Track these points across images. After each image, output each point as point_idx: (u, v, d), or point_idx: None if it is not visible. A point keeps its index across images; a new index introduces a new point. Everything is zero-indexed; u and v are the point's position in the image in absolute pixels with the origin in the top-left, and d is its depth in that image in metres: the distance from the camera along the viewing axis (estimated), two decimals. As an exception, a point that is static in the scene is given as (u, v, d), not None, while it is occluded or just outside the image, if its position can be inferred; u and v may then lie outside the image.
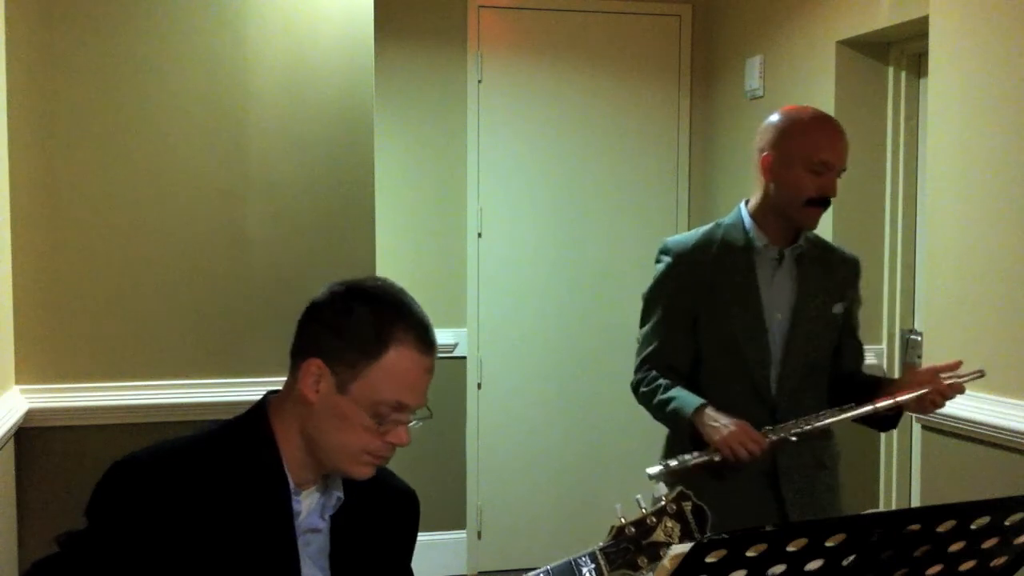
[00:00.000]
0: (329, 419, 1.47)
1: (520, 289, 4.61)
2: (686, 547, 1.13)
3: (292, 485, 1.49)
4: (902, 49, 3.75)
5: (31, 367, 2.91)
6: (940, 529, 1.22)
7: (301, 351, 1.49)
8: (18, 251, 2.87)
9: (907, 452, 3.76)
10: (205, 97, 3.03)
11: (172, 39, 3.00)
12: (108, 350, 2.98)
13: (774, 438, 2.29)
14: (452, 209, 4.54)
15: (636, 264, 4.41)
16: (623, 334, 4.05)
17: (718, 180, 4.65)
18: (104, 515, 1.42)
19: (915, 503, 3.53)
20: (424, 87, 4.47)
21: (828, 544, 1.15)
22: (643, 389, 2.47)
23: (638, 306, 2.55)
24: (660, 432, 2.54)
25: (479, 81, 4.52)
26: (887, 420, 2.42)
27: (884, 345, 3.87)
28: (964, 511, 1.22)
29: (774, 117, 2.43)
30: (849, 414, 2.33)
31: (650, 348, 2.49)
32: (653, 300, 2.51)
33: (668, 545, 1.53)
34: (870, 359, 3.74)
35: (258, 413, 1.53)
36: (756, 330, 2.40)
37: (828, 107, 3.69)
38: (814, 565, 1.16)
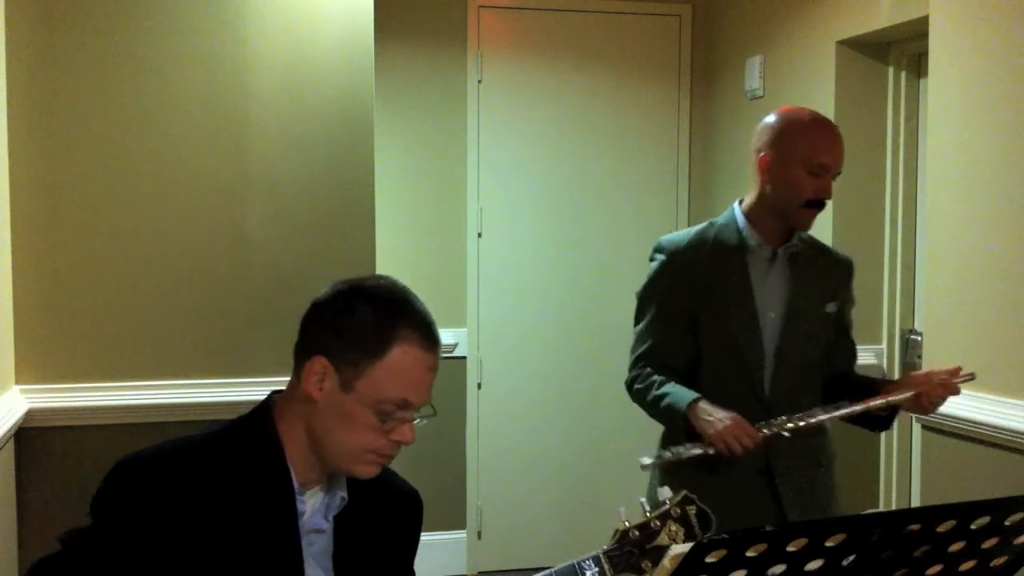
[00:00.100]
0: (333, 418, 1.46)
1: (520, 289, 4.61)
2: (686, 547, 1.13)
3: (296, 485, 1.49)
4: (902, 49, 3.75)
5: (31, 367, 2.91)
6: (940, 529, 1.22)
7: (305, 350, 1.49)
8: (18, 251, 2.87)
9: (907, 452, 3.76)
10: (205, 97, 3.04)
11: (172, 39, 3.00)
12: (108, 350, 2.98)
13: (767, 432, 2.30)
14: (452, 209, 4.54)
15: (636, 264, 4.35)
16: (623, 334, 4.00)
17: (718, 180, 4.65)
18: (108, 513, 1.42)
19: (915, 503, 3.53)
20: (424, 87, 4.47)
21: (828, 544, 1.15)
22: (637, 386, 2.47)
23: (636, 306, 2.55)
24: (659, 432, 2.54)
25: (479, 81, 4.52)
26: (880, 420, 2.42)
27: (884, 345, 3.87)
28: (964, 511, 1.22)
29: (772, 118, 2.43)
30: (842, 411, 2.33)
31: (644, 346, 2.49)
32: (647, 298, 2.51)
33: (672, 549, 1.52)
34: (870, 359, 3.75)
35: (262, 413, 1.53)
36: (752, 330, 2.40)
37: (828, 107, 3.69)
38: (814, 565, 1.16)
